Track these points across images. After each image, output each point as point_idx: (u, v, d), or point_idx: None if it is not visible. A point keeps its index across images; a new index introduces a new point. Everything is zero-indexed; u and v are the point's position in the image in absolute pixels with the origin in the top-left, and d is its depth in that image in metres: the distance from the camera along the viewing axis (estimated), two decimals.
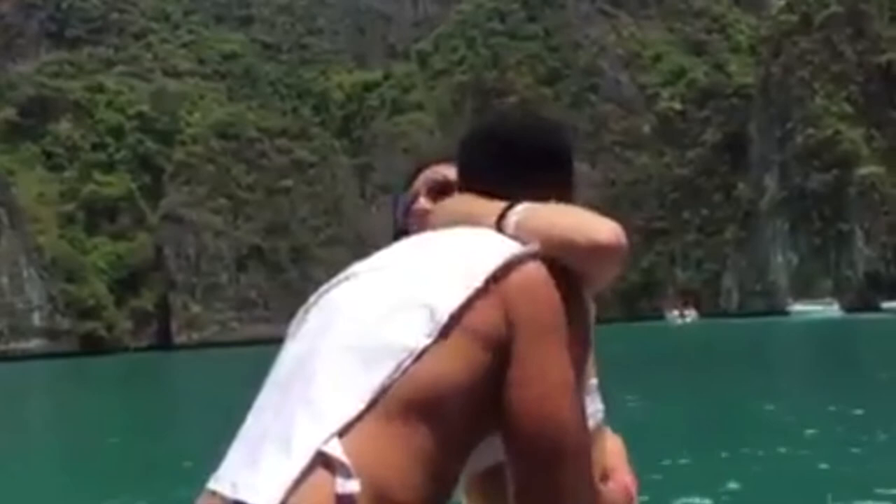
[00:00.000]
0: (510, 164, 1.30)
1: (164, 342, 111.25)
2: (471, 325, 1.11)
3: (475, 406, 1.10)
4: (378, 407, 1.05)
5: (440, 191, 1.54)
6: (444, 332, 1.10)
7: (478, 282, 1.13)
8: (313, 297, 1.25)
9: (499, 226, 1.22)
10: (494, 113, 1.43)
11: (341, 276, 1.25)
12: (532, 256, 1.17)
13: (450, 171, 1.54)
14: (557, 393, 1.11)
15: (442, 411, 1.08)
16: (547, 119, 1.39)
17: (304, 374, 1.11)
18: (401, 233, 1.54)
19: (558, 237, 1.17)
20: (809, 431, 12.77)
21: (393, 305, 1.13)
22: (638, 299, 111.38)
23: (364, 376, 1.07)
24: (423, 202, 1.56)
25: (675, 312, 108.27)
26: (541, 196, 1.28)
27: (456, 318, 1.11)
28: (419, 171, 1.64)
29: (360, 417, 1.04)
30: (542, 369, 1.12)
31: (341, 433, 1.02)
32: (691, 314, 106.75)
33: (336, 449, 1.01)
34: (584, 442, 1.14)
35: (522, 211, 1.22)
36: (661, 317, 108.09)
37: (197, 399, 29.24)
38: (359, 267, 1.25)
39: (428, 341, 1.09)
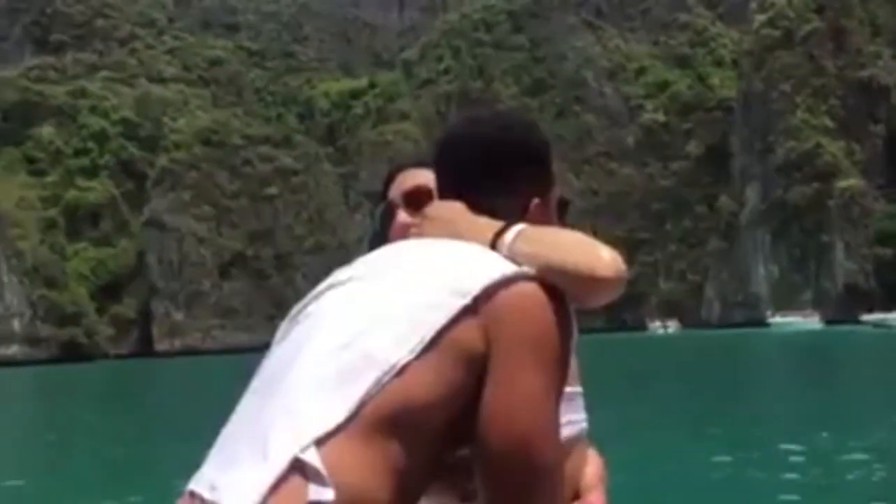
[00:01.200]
0: (488, 165, 1.29)
1: (144, 350, 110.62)
2: (454, 343, 1.12)
3: (452, 423, 1.12)
4: (357, 419, 1.06)
5: (419, 201, 1.52)
6: (427, 348, 1.10)
7: (466, 299, 1.13)
8: (299, 304, 1.25)
9: (494, 245, 1.21)
10: (468, 115, 1.39)
11: (326, 283, 1.25)
12: (525, 278, 1.16)
13: (426, 177, 1.52)
14: (531, 413, 1.11)
15: (419, 427, 1.09)
16: (521, 118, 1.37)
17: (285, 381, 1.12)
18: (380, 243, 1.45)
19: (557, 264, 1.17)
20: (785, 445, 12.96)
21: (378, 317, 1.13)
22: (621, 310, 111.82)
23: (345, 387, 1.08)
24: (404, 216, 1.55)
25: (658, 323, 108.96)
26: (521, 196, 1.29)
27: (440, 336, 1.11)
28: (393, 176, 1.62)
29: (338, 428, 1.05)
30: (518, 388, 1.11)
31: (319, 442, 1.04)
32: (673, 325, 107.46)
33: (313, 457, 1.03)
34: (556, 462, 1.13)
35: (519, 233, 1.21)
36: (643, 327, 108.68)
37: (177, 406, 29.18)
38: (345, 273, 1.24)
39: (410, 357, 1.10)
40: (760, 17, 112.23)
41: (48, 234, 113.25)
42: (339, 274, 1.25)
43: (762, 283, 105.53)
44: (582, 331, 1.23)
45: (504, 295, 1.14)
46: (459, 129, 1.34)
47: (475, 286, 1.14)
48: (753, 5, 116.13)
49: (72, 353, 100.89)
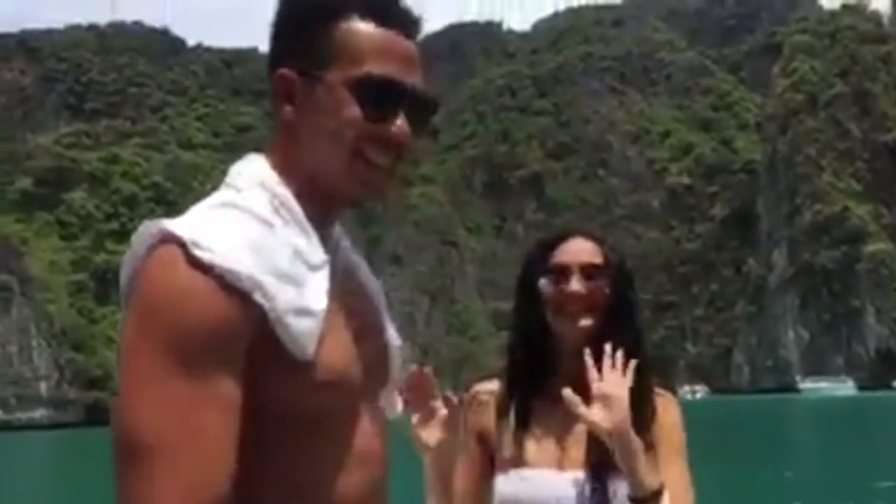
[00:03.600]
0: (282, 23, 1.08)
1: None
2: None
3: None
4: None
5: (591, 273, 1.64)
6: None
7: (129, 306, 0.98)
8: None
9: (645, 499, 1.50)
10: None
11: None
12: (165, 240, 0.95)
13: (594, 249, 1.68)
14: (132, 388, 0.91)
15: None
16: None
17: None
18: (535, 306, 1.63)
19: None
20: None
21: None
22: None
23: None
24: (576, 283, 1.63)
25: (686, 388, 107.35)
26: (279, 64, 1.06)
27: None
28: (558, 241, 1.69)
29: None
30: (122, 355, 0.94)
31: None
32: (701, 390, 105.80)
33: None
34: (146, 441, 0.90)
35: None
36: (671, 392, 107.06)
37: None
38: None
39: None
40: (783, 82, 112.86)
41: (77, 297, 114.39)
42: None
43: (792, 348, 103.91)
44: None
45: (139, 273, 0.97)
46: None
47: (127, 287, 1.00)
48: (776, 70, 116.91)
49: (97, 416, 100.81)
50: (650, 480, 1.51)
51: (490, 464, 1.68)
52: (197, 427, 0.90)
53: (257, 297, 0.94)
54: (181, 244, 0.94)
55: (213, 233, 0.95)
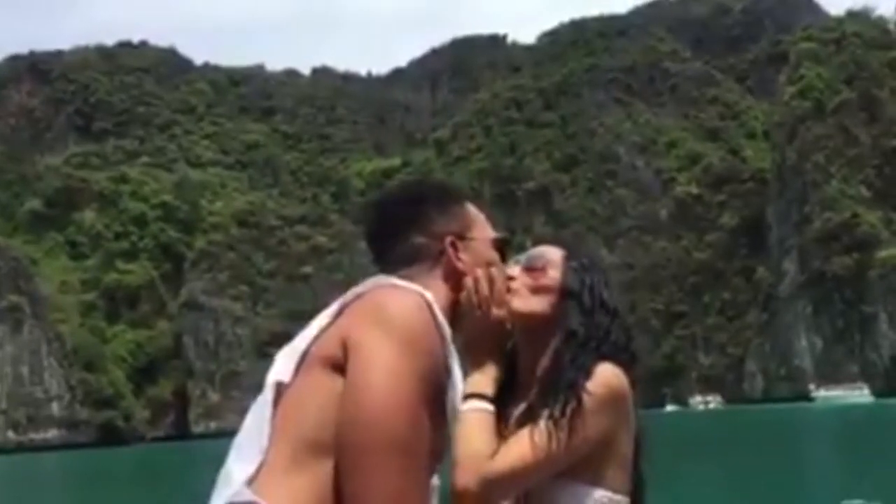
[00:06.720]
0: (400, 210, 1.49)
1: (181, 432, 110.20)
2: (317, 353, 1.19)
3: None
4: (273, 447, 1.15)
5: (529, 268, 1.66)
6: (298, 366, 1.20)
7: (332, 312, 1.22)
8: None
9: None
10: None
11: None
12: (396, 286, 1.23)
13: (550, 254, 1.69)
14: (388, 386, 1.12)
15: (314, 440, 1.13)
16: (384, 193, 1.58)
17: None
18: None
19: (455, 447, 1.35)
20: None
21: (287, 350, 1.26)
22: (660, 384, 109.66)
23: (260, 421, 1.21)
24: (514, 269, 1.64)
25: (699, 398, 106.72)
26: (437, 235, 1.44)
27: (307, 351, 1.21)
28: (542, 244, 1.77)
29: (264, 460, 1.14)
30: (373, 363, 1.13)
31: (252, 479, 1.12)
32: (715, 400, 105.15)
33: (244, 495, 1.11)
34: (411, 442, 1.12)
35: (463, 413, 1.40)
36: (684, 402, 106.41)
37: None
38: None
39: (286, 377, 1.20)
40: (790, 90, 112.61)
41: (88, 316, 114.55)
42: None
43: (805, 356, 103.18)
44: None
45: (366, 296, 1.22)
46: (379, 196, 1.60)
47: (346, 298, 1.23)
48: (782, 78, 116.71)
49: (109, 436, 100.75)
50: (471, 382, 1.50)
51: None
52: (427, 440, 1.16)
53: (451, 358, 1.30)
54: (425, 299, 1.25)
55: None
